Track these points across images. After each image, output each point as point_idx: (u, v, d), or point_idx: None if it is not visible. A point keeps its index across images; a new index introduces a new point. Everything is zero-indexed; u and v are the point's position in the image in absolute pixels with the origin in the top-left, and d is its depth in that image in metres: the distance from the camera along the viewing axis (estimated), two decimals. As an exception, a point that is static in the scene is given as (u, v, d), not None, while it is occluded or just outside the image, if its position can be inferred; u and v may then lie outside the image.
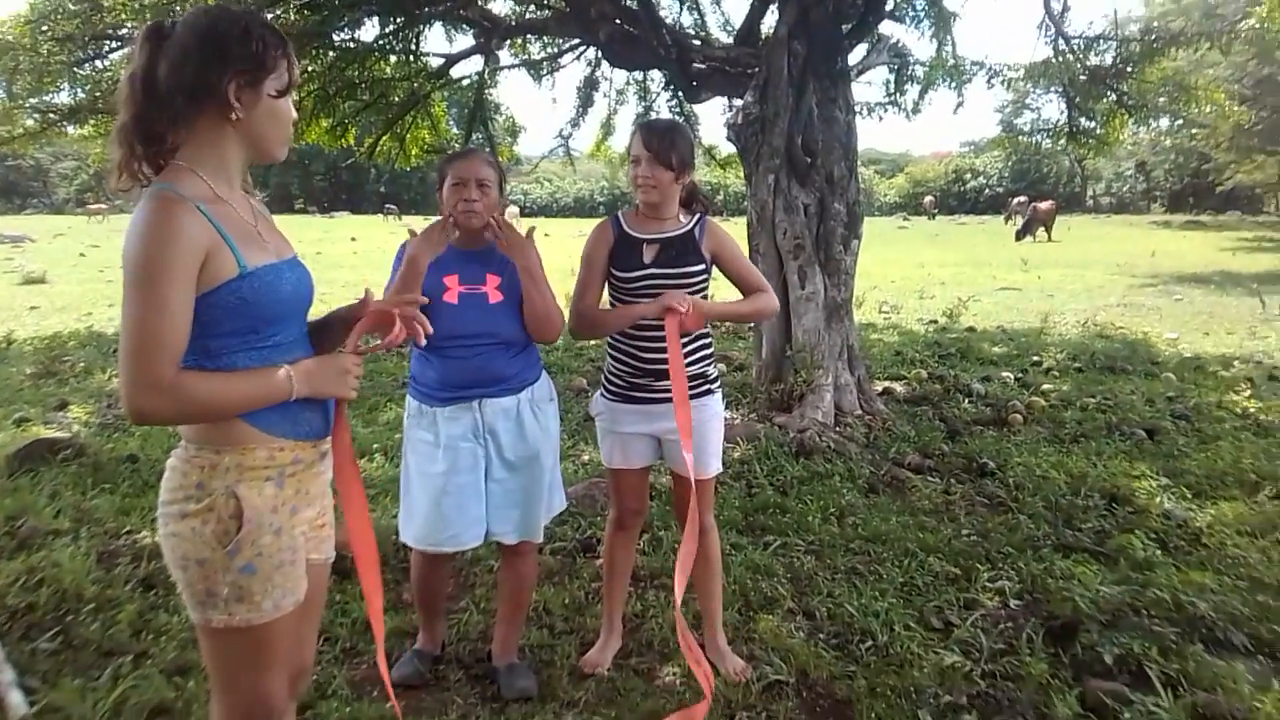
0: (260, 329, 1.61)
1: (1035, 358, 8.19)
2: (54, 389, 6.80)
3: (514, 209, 45.22)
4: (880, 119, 8.11)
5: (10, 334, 8.85)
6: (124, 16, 6.77)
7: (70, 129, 8.20)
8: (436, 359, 2.59)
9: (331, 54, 8.01)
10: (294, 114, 1.72)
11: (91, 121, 7.81)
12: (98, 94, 7.21)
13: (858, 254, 6.07)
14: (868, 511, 4.25)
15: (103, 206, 42.80)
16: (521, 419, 2.63)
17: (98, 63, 7.15)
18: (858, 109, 6.31)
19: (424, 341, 1.85)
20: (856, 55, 6.48)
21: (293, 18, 7.12)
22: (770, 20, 6.89)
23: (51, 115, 7.80)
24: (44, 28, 6.59)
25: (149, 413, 1.52)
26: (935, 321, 10.70)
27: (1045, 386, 6.87)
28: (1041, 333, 9.88)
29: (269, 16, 6.82)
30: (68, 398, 6.48)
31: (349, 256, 21.42)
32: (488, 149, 11.13)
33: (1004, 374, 7.39)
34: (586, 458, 5.13)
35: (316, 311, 1.85)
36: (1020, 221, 27.23)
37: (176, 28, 1.59)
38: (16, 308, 11.83)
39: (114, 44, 7.06)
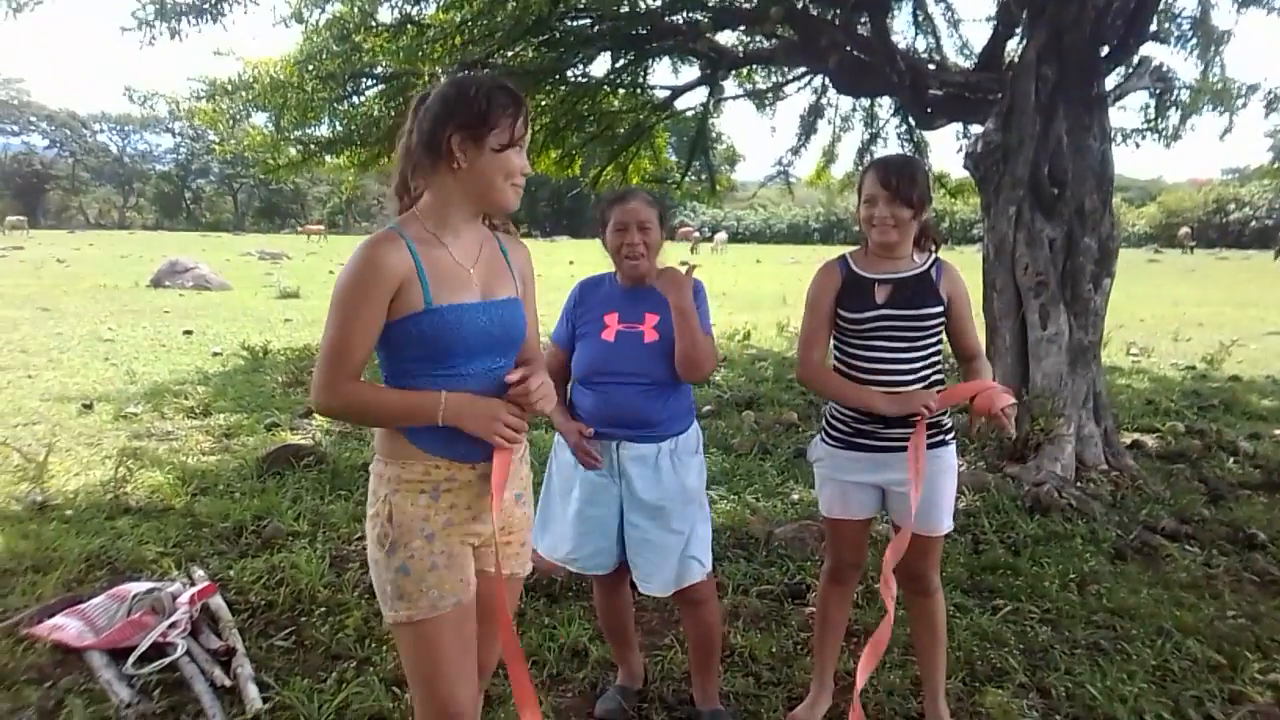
0: (442, 359, 1.79)
1: (1315, 415, 7.18)
2: (301, 397, 7.42)
3: (722, 235, 45.54)
4: (1137, 146, 7.44)
5: (267, 344, 9.78)
6: (380, 57, 7.37)
7: (328, 158, 8.94)
8: (590, 390, 2.62)
9: (563, 89, 8.34)
10: (524, 166, 1.85)
11: (346, 152, 8.52)
12: (353, 127, 7.86)
13: (1109, 293, 5.55)
14: (1114, 580, 3.82)
15: (319, 227, 47.38)
16: (659, 467, 2.58)
17: (355, 99, 7.80)
18: (1113, 136, 5.79)
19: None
20: (1113, 79, 5.96)
21: (531, 55, 7.49)
22: (1015, 44, 6.50)
23: (312, 146, 8.56)
24: (310, 67, 7.25)
25: (323, 409, 1.83)
26: (1193, 368, 9.65)
27: (1330, 449, 5.99)
28: (1323, 386, 8.67)
29: (509, 54, 7.22)
30: (313, 406, 7.04)
31: (566, 280, 22.24)
32: (705, 177, 11.29)
33: (1276, 431, 6.57)
34: (796, 497, 4.97)
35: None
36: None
37: (430, 94, 1.82)
38: (273, 319, 13.16)
39: (369, 82, 7.69)
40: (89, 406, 6.90)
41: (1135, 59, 6.09)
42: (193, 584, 3.52)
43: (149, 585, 3.41)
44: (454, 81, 1.81)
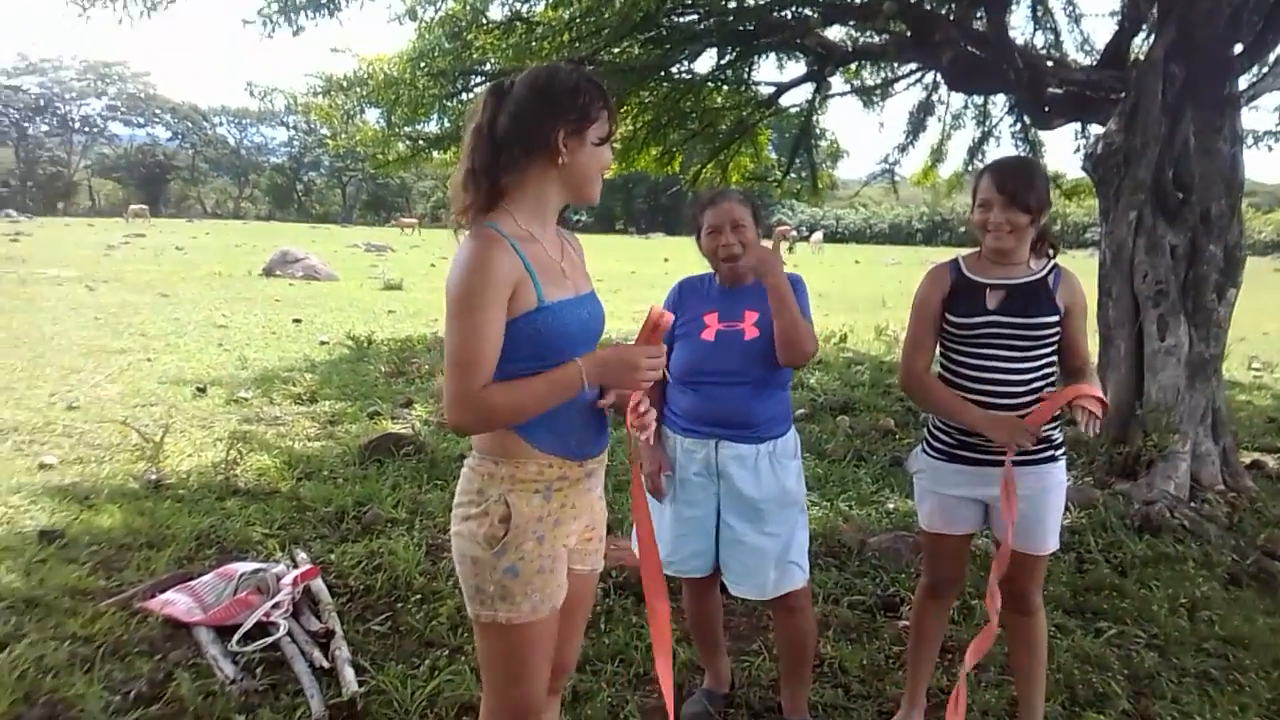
0: (549, 357, 1.76)
1: None
2: (402, 388, 7.66)
3: (818, 235, 44.55)
4: (1270, 149, 7.04)
5: (371, 334, 10.12)
6: (489, 54, 7.50)
7: (435, 154, 9.13)
8: (690, 390, 2.60)
9: (666, 86, 8.34)
10: (611, 158, 1.87)
11: (454, 148, 8.68)
12: (460, 123, 8.02)
13: (1234, 304, 5.27)
14: (1227, 607, 3.64)
15: (413, 221, 48.43)
16: (759, 468, 2.55)
17: (464, 95, 7.97)
18: (1244, 138, 5.47)
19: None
20: (1247, 78, 5.64)
21: (637, 51, 7.51)
22: (1142, 41, 6.22)
23: (421, 142, 8.78)
24: (422, 64, 7.42)
25: (464, 424, 1.75)
26: (1321, 385, 9.07)
27: None
28: None
29: (616, 51, 7.26)
30: (413, 396, 7.27)
31: (661, 278, 22.29)
32: (806, 174, 11.12)
33: None
34: (891, 506, 4.87)
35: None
36: None
37: (515, 86, 1.78)
38: (377, 310, 13.57)
39: (479, 79, 7.83)
40: (203, 390, 7.25)
41: (1272, 57, 5.76)
42: (296, 566, 3.66)
43: (255, 565, 3.56)
44: (544, 74, 1.79)
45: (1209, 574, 3.97)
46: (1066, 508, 4.57)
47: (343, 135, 8.90)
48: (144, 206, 50.55)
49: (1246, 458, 5.77)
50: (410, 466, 5.20)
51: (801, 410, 6.92)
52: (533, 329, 1.74)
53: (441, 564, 3.84)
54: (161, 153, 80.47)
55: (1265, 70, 5.90)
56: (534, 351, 1.76)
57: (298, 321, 11.83)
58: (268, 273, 18.99)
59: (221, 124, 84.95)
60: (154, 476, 4.87)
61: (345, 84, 7.81)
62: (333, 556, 3.91)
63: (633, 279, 20.43)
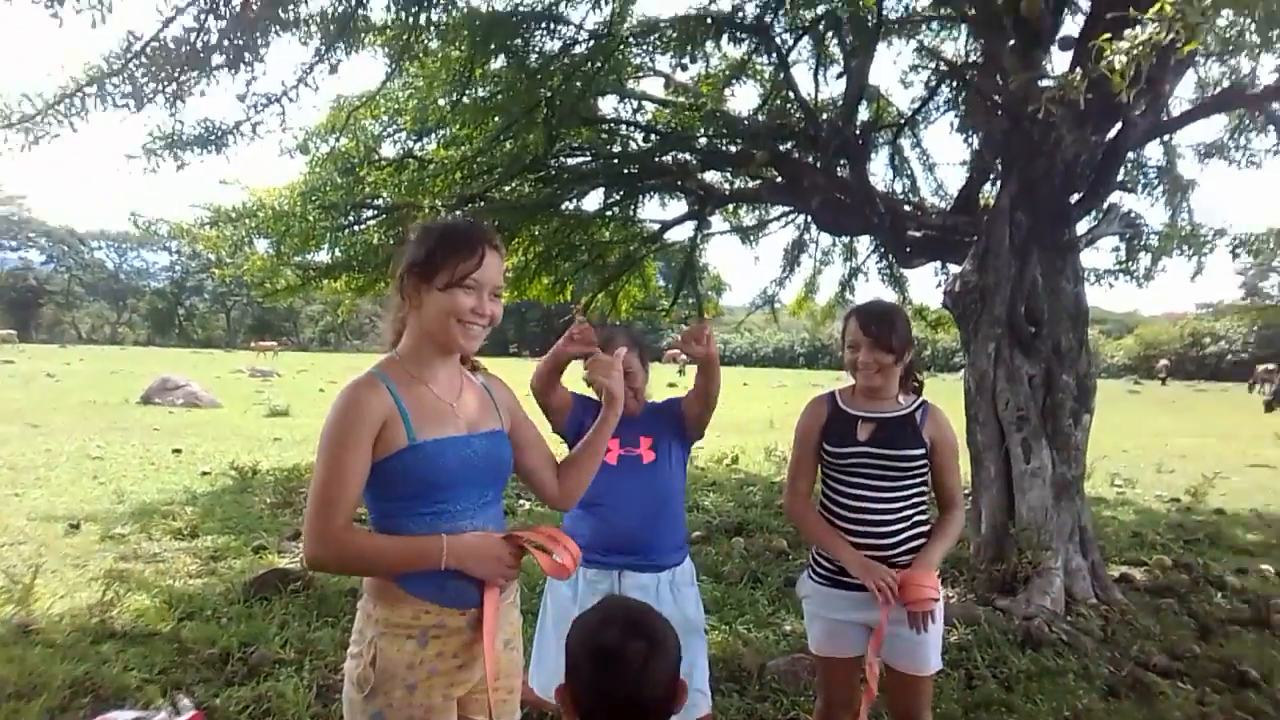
0: (429, 495, 1.78)
1: (1299, 549, 7.21)
2: (289, 519, 7.36)
3: (678, 352, 45.61)
4: (1111, 286, 7.72)
5: (256, 464, 9.74)
6: (382, 189, 7.63)
7: (325, 283, 9.03)
8: (591, 517, 2.65)
9: (557, 221, 8.63)
10: (476, 306, 1.83)
11: (344, 277, 8.67)
12: (352, 254, 8.05)
13: (1089, 429, 5.66)
14: (1108, 718, 3.79)
15: (272, 344, 47.55)
16: (661, 597, 2.61)
17: (355, 227, 8.02)
18: (1086, 276, 6.01)
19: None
20: (1085, 224, 6.24)
21: (527, 190, 7.79)
22: (990, 189, 6.81)
23: (311, 271, 8.72)
24: (313, 197, 7.48)
25: (317, 561, 1.77)
26: (1177, 500, 9.67)
27: (1315, 585, 6.00)
28: (1307, 520, 8.71)
29: (507, 189, 7.50)
30: (300, 528, 6.98)
31: None
32: (692, 303, 11.53)
33: (1263, 566, 6.54)
34: (788, 628, 4.91)
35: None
36: (1269, 390, 24.76)
37: None
38: (263, 438, 13.09)
39: (370, 212, 7.93)
40: (76, 526, 6.82)
41: (1105, 205, 6.39)
42: (178, 713, 3.40)
43: (134, 714, 3.28)
44: (424, 224, 1.90)
45: (1089, 686, 4.12)
46: (954, 625, 4.77)
47: (229, 264, 8.77)
48: (12, 332, 48.19)
49: (1115, 571, 6.06)
50: (299, 603, 4.98)
51: (698, 532, 6.98)
52: (402, 467, 1.76)
53: (333, 706, 3.66)
54: (34, 277, 77.25)
55: (1100, 217, 6.55)
56: (411, 490, 1.77)
57: (178, 451, 11.29)
58: (146, 400, 18.13)
59: (100, 248, 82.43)
60: (23, 620, 4.52)
61: (234, 215, 7.76)
62: (218, 701, 3.69)
63: (528, 401, 20.29)
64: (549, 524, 1.96)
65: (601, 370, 2.23)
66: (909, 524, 2.62)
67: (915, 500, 2.65)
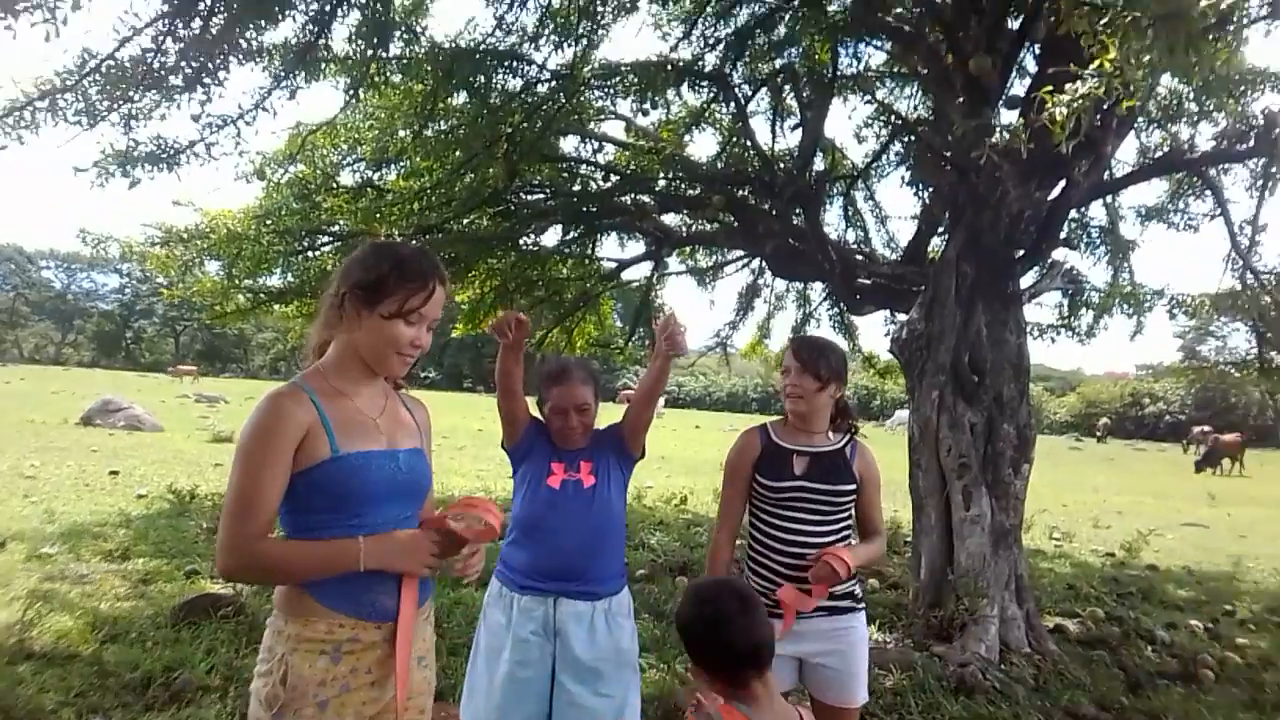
0: (348, 507, 1.76)
1: (1227, 606, 7.39)
2: (227, 545, 7.18)
3: (660, 400, 46.05)
4: (1053, 341, 7.93)
5: (195, 488, 9.50)
6: (338, 216, 7.60)
7: (276, 307, 8.95)
8: (528, 542, 2.64)
9: (514, 255, 8.66)
10: (415, 339, 1.86)
11: (296, 302, 8.60)
12: (305, 279, 7.99)
13: (1028, 479, 5.77)
14: (1037, 769, 3.81)
15: (193, 369, 46.95)
16: (595, 626, 2.59)
17: (310, 252, 7.97)
18: (1029, 330, 6.18)
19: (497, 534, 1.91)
20: (1029, 278, 6.42)
21: (485, 223, 7.81)
22: (937, 241, 6.99)
23: (262, 295, 8.63)
24: (268, 222, 7.42)
25: (230, 570, 1.73)
26: (1112, 555, 9.87)
27: (1240, 641, 6.14)
28: (1234, 578, 8.95)
29: (465, 222, 7.52)
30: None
31: (474, 435, 21.95)
32: (648, 343, 11.59)
33: (1191, 621, 6.68)
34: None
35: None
36: (1201, 451, 25.51)
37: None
38: (204, 464, 12.79)
39: (327, 239, 7.89)
40: (1, 545, 6.59)
41: (1048, 261, 6.59)
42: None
43: None
44: (376, 244, 1.88)
45: (1019, 734, 4.17)
46: (889, 670, 4.79)
47: (179, 285, 8.64)
48: (-52, 349, 46.61)
49: (1049, 622, 6.13)
50: (228, 630, 4.85)
51: (642, 570, 6.94)
52: (324, 478, 1.73)
53: (256, 733, 3.56)
54: (-24, 295, 75.32)
55: (1044, 272, 6.76)
56: (329, 503, 1.75)
57: (115, 473, 10.98)
58: (86, 421, 17.62)
59: (49, 267, 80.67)
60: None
61: (185, 236, 7.67)
62: (136, 726, 3.56)
63: (480, 436, 20.17)
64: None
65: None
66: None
67: (844, 533, 2.71)
